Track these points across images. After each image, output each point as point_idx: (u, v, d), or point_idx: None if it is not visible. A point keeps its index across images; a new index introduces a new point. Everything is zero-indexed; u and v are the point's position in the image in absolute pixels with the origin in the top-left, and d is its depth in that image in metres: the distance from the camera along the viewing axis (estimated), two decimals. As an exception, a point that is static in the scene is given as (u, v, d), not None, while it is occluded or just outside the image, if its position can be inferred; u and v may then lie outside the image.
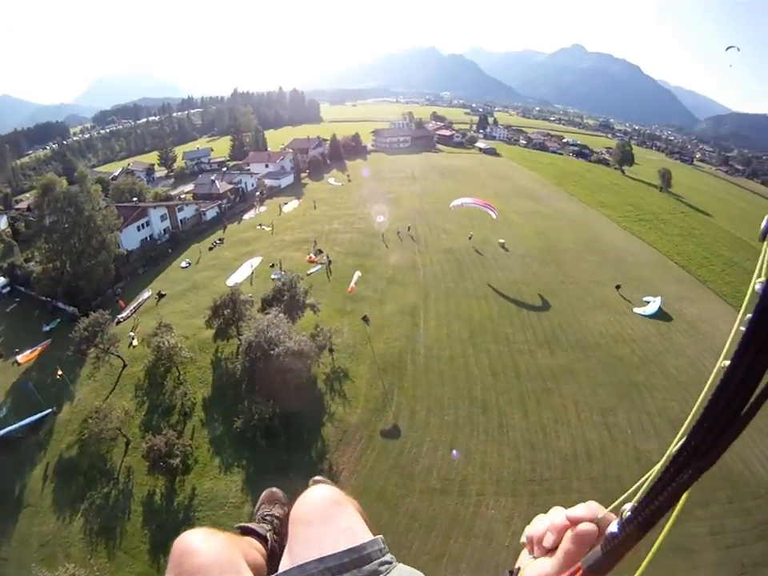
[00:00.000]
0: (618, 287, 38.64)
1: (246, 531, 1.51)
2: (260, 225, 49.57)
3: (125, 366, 27.83)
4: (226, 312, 26.48)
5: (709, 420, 0.63)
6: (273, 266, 38.78)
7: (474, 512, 19.17)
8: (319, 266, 37.96)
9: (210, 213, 54.42)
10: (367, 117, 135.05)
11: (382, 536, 1.12)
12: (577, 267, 43.89)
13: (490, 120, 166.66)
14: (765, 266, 0.64)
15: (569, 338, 31.82)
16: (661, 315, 34.82)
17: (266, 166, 72.12)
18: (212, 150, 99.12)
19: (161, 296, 35.72)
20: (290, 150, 79.41)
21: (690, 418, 0.69)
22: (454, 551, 17.30)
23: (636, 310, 35.33)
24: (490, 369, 28.18)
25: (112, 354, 26.66)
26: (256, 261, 39.38)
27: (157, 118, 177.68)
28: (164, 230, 49.77)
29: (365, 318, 32.39)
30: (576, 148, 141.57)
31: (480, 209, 43.35)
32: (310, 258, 39.52)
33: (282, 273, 35.15)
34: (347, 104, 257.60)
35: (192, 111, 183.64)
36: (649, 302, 35.88)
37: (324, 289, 35.80)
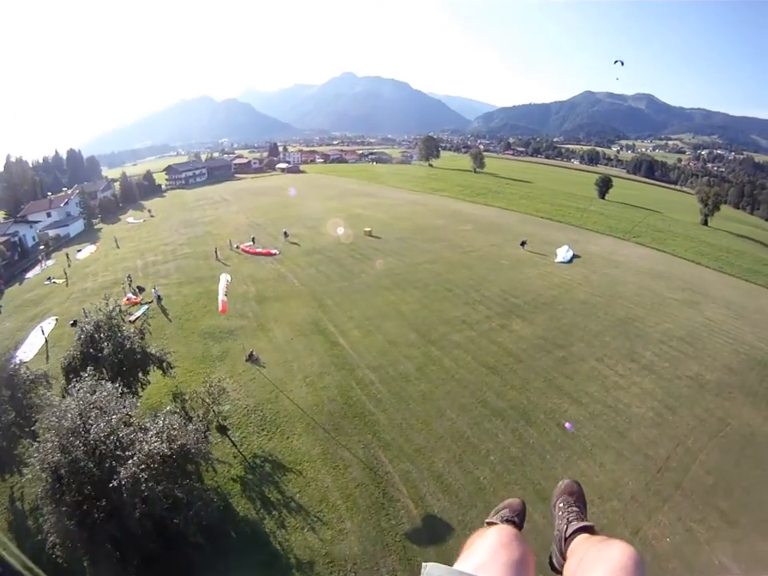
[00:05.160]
0: (523, 244, 36.83)
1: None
2: (49, 279, 37.34)
3: None
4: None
5: None
6: (75, 323, 24.99)
7: None
8: (145, 306, 27.85)
9: (-23, 279, 39.70)
10: (151, 170, 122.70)
11: None
12: (463, 237, 41.39)
13: (280, 147, 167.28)
14: None
15: (523, 300, 26.85)
16: (572, 258, 34.97)
17: (49, 215, 60.43)
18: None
19: None
20: (76, 192, 68.89)
21: None
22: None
23: (557, 260, 34.44)
24: (482, 363, 20.02)
25: None
26: (48, 324, 26.97)
27: None
28: None
29: (251, 357, 20.30)
30: (374, 156, 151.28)
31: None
32: (128, 299, 29.23)
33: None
34: (127, 165, 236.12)
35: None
36: (559, 252, 35.54)
37: (165, 334, 23.51)
